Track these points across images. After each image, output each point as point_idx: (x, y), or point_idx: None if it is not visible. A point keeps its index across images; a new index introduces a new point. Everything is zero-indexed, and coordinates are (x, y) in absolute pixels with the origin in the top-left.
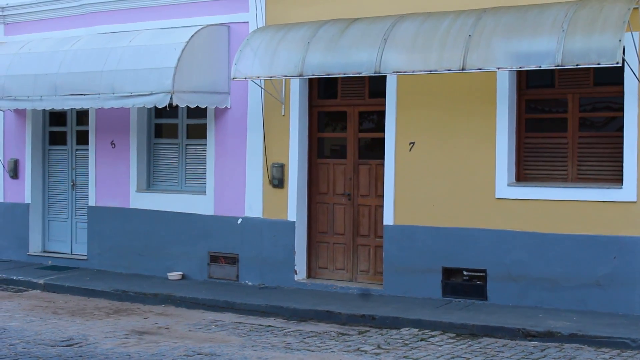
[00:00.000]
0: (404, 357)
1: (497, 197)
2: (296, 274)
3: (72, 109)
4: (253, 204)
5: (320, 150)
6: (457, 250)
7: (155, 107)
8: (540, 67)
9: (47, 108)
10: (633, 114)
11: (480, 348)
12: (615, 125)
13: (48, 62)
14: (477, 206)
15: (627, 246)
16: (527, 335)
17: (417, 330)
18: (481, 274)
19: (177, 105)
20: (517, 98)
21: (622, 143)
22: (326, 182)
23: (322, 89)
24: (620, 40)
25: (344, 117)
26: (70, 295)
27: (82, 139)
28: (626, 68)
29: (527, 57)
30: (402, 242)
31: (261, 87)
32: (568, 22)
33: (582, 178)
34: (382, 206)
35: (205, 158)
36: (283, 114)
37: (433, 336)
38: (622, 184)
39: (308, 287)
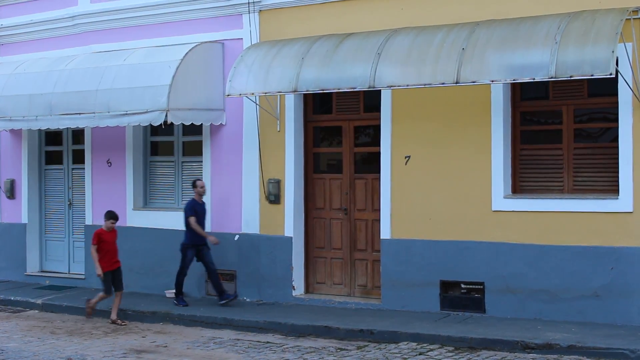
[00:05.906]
0: None
1: (493, 209)
2: (294, 289)
3: (67, 128)
4: (250, 220)
5: (316, 165)
6: (455, 263)
7: (151, 125)
8: (534, 79)
9: (43, 128)
10: (628, 125)
11: None
12: (610, 136)
13: (43, 82)
14: (474, 219)
15: (624, 257)
16: (526, 347)
17: (416, 344)
18: (479, 287)
19: (172, 123)
20: (511, 110)
21: (618, 154)
22: (322, 197)
23: (317, 104)
24: (613, 52)
25: (340, 131)
26: (68, 315)
27: (78, 158)
28: (620, 79)
29: (520, 70)
30: (400, 255)
31: (256, 104)
32: (561, 34)
33: (578, 189)
34: (379, 220)
35: (202, 175)
36: (278, 129)
37: (432, 350)
38: (618, 195)
39: (306, 302)
